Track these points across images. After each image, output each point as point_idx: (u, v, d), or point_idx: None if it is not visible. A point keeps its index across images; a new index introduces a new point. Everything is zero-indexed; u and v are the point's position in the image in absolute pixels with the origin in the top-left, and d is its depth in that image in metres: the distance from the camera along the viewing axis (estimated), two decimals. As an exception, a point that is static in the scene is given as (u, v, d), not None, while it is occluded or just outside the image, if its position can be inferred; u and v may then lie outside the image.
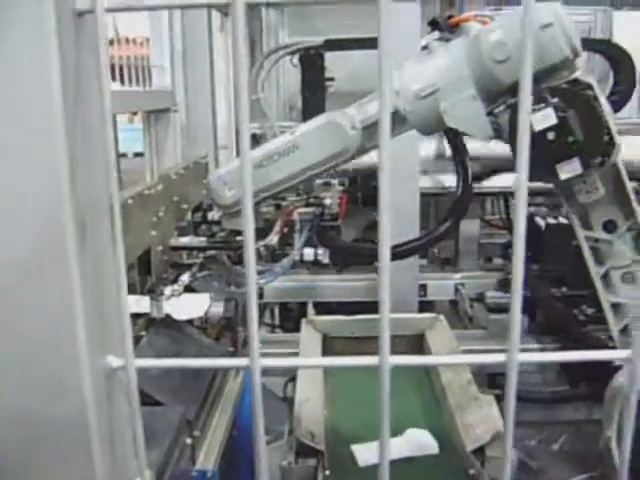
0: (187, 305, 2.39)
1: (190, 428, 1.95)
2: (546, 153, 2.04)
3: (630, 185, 2.25)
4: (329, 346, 2.88)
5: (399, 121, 2.12)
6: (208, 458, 2.05)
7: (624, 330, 2.37)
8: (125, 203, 2.23)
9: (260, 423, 0.61)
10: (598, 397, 3.40)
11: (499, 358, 0.56)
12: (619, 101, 3.59)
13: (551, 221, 3.53)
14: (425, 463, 2.15)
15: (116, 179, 0.66)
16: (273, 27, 5.01)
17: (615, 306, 2.38)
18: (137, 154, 6.75)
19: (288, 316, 4.45)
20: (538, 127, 2.02)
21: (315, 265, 4.04)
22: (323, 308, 3.99)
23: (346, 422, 2.34)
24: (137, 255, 2.36)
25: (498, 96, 2.06)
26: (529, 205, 3.87)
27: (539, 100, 2.01)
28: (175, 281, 2.53)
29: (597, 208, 2.28)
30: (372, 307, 3.41)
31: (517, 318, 0.56)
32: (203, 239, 2.82)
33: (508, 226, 4.21)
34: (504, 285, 3.78)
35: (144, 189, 2.49)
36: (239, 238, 2.77)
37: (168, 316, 2.38)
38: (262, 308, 4.32)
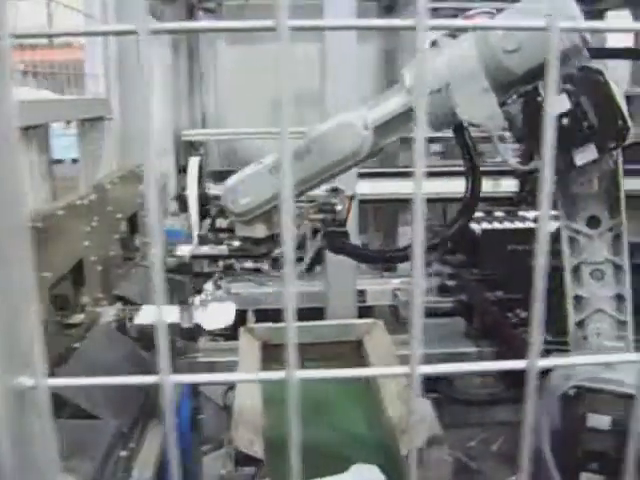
0: (215, 314, 2.38)
1: (125, 440, 1.92)
2: (561, 139, 2.03)
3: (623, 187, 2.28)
4: (268, 354, 2.88)
5: (413, 118, 2.11)
6: (143, 470, 2.03)
7: (580, 323, 2.42)
8: (55, 214, 2.19)
9: (172, 439, 0.61)
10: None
11: (520, 365, 0.57)
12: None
13: (486, 226, 3.60)
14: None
15: (25, 194, 0.65)
16: (210, 35, 4.99)
17: (578, 299, 2.41)
18: (75, 160, 6.62)
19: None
20: (558, 111, 2.00)
21: (255, 273, 4.03)
22: (264, 315, 3.99)
23: (285, 429, 2.34)
24: (69, 267, 2.32)
25: (510, 87, 2.06)
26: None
27: None
28: (200, 291, 2.51)
29: (586, 201, 2.29)
30: (315, 313, 3.42)
31: (537, 324, 0.57)
32: (224, 247, 2.77)
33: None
34: (443, 290, 3.84)
35: (76, 199, 2.45)
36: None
37: (102, 327, 2.35)
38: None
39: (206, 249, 2.81)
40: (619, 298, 2.34)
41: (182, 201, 4.05)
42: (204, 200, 4.08)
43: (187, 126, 4.67)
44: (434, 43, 2.18)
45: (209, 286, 2.58)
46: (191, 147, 4.60)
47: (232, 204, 2.46)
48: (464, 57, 2.06)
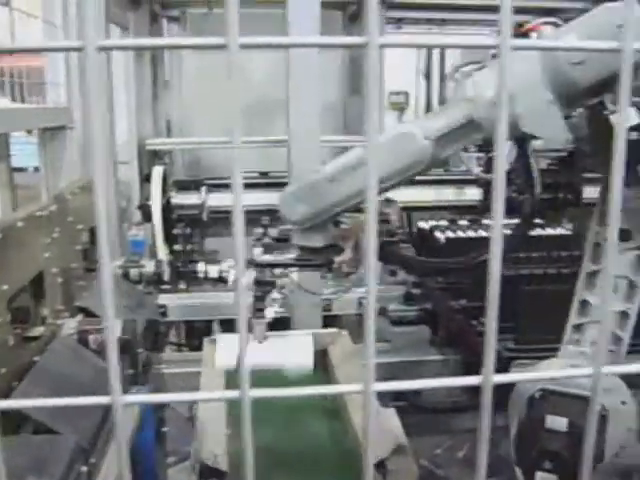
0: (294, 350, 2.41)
1: (86, 456, 1.89)
2: (629, 153, 1.98)
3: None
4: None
5: (474, 129, 2.11)
6: (105, 486, 1.99)
7: (578, 327, 2.45)
8: (15, 226, 2.15)
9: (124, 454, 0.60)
10: (499, 405, 3.52)
11: (474, 381, 0.57)
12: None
13: (450, 235, 3.62)
14: (327, 478, 2.16)
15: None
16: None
17: (584, 304, 2.44)
18: (37, 168, 6.54)
19: (194, 334, 4.40)
20: (629, 125, 1.93)
21: (220, 282, 4.01)
22: (230, 325, 3.97)
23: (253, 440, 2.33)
24: (29, 278, 2.29)
25: (575, 100, 2.04)
26: (428, 220, 3.96)
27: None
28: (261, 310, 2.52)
29: (624, 214, 2.25)
30: (281, 323, 3.39)
31: (491, 341, 0.57)
32: (291, 256, 2.73)
33: (411, 240, 4.28)
34: (408, 299, 3.85)
35: (37, 210, 2.41)
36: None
37: (63, 340, 2.32)
38: (167, 327, 4.25)
39: (269, 257, 2.77)
40: (624, 315, 2.37)
41: (146, 211, 4.03)
42: (168, 210, 4.07)
43: (151, 135, 4.63)
44: (496, 55, 2.15)
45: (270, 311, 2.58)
46: (155, 156, 4.57)
47: (289, 212, 2.45)
48: (529, 69, 2.02)
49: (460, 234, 3.71)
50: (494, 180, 0.57)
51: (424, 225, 3.93)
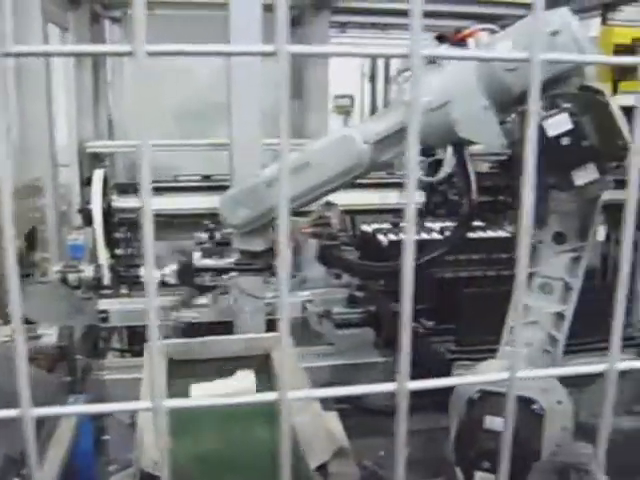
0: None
1: (17, 467, 1.85)
2: (561, 159, 2.02)
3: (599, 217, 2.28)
4: (174, 370, 2.83)
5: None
6: (39, 497, 1.94)
7: (515, 328, 2.48)
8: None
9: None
10: (443, 406, 3.55)
11: (389, 387, 0.57)
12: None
13: (393, 238, 3.64)
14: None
15: None
16: (117, 44, 4.90)
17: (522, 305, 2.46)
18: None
19: (137, 340, 4.34)
20: (552, 133, 2.00)
21: (162, 286, 3.96)
22: (173, 330, 3.92)
23: (191, 448, 2.31)
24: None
25: (510, 105, 2.06)
26: (372, 223, 3.99)
27: (552, 106, 2.00)
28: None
29: (559, 216, 2.30)
30: (224, 327, 3.38)
31: (405, 349, 0.57)
32: (230, 260, 2.67)
33: (355, 243, 4.30)
34: (352, 301, 3.86)
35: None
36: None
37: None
38: (109, 332, 4.19)
39: (209, 262, 2.74)
40: (560, 316, 2.40)
41: (86, 214, 3.97)
42: (109, 213, 4.01)
43: (92, 137, 4.56)
44: (433, 60, 2.16)
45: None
46: (96, 159, 4.49)
47: (230, 216, 2.43)
48: (464, 75, 2.06)
49: (403, 237, 3.73)
50: (407, 184, 0.58)
51: (367, 228, 3.95)
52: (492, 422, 2.28)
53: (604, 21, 4.76)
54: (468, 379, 0.58)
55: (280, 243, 0.55)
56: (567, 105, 2.00)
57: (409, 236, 0.57)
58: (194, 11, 4.66)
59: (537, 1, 0.53)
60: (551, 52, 1.96)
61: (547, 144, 1.97)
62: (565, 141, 2.00)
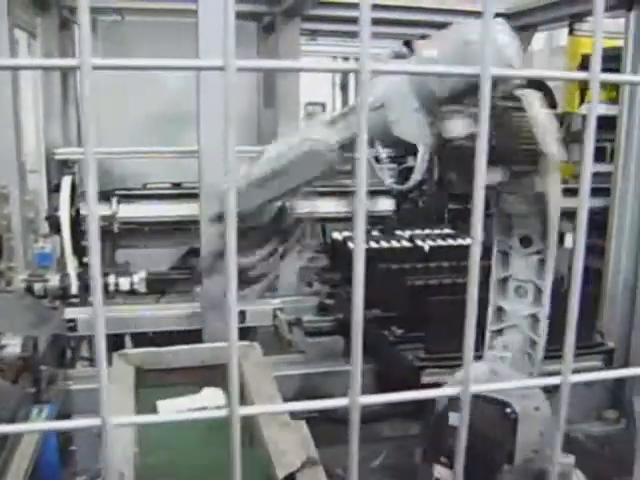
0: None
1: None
2: (468, 160, 2.07)
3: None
4: (142, 379, 2.80)
5: (370, 137, 2.23)
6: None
7: (496, 332, 2.54)
8: None
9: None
10: (412, 413, 3.56)
11: (342, 402, 0.57)
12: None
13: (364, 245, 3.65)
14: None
15: None
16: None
17: (500, 310, 2.54)
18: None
19: (106, 349, 4.28)
20: (457, 134, 2.15)
21: (132, 294, 3.93)
22: (143, 339, 3.90)
23: (158, 459, 2.29)
24: None
25: (436, 107, 2.19)
26: (342, 231, 3.99)
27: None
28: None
29: (521, 221, 2.40)
30: (193, 336, 3.35)
31: (357, 361, 0.56)
32: None
33: (325, 250, 4.31)
34: (322, 309, 3.86)
35: None
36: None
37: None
38: (78, 342, 4.14)
39: None
40: (534, 318, 2.45)
41: (54, 222, 3.92)
42: (77, 221, 3.97)
43: (61, 143, 4.51)
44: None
45: None
46: (64, 166, 4.44)
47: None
48: (400, 79, 2.23)
49: (372, 244, 3.75)
50: (356, 192, 0.58)
51: (338, 236, 3.95)
52: (455, 419, 2.32)
53: (571, 32, 4.82)
54: (422, 394, 0.58)
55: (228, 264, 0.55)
56: (474, 110, 2.11)
57: (358, 242, 0.57)
58: (165, 18, 4.64)
59: (486, 16, 0.54)
60: (467, 60, 2.02)
61: (454, 147, 2.16)
62: (468, 143, 2.13)
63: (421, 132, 2.22)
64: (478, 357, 2.55)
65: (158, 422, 0.55)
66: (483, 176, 0.59)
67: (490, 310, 2.53)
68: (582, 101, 4.91)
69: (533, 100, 2.17)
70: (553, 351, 2.49)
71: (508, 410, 2.35)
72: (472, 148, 2.20)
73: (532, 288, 2.44)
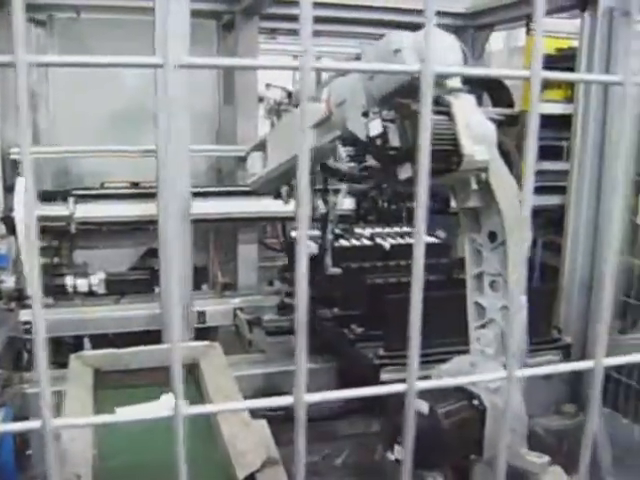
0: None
1: None
2: (382, 158, 2.40)
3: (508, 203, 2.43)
4: (100, 380, 2.77)
5: (329, 124, 2.63)
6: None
7: (481, 327, 2.59)
8: None
9: None
10: (373, 410, 3.57)
11: (287, 401, 0.57)
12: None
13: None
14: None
15: None
16: (42, 47, 4.77)
17: (478, 305, 2.59)
18: None
19: (64, 351, 4.23)
20: (371, 134, 2.36)
21: (90, 296, 3.89)
22: (102, 341, 3.85)
23: (118, 459, 2.27)
24: None
25: (377, 106, 2.42)
26: (295, 229, 3.98)
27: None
28: None
29: (486, 217, 2.49)
30: (152, 336, 3.32)
31: (302, 359, 0.55)
32: None
33: (286, 249, 4.31)
34: (282, 308, 3.85)
35: None
36: None
37: None
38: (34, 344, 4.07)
39: None
40: (507, 310, 2.50)
41: (9, 223, 3.85)
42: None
43: (16, 143, 4.43)
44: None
45: None
46: (14, 165, 4.36)
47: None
48: (354, 79, 2.49)
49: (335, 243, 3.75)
50: (298, 189, 0.58)
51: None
52: (420, 405, 2.37)
53: (529, 31, 4.87)
54: (370, 391, 0.59)
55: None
56: (386, 112, 2.34)
57: (301, 243, 0.57)
58: (122, 16, 4.58)
59: (427, 20, 0.54)
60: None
61: (369, 145, 2.38)
62: (378, 142, 2.34)
63: (364, 127, 2.39)
64: (465, 352, 2.62)
65: (104, 423, 0.55)
66: (426, 175, 0.59)
67: (469, 306, 2.60)
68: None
69: (464, 104, 2.29)
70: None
71: (476, 402, 2.39)
72: (381, 147, 2.40)
73: (502, 282, 2.51)
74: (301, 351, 0.57)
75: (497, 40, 6.21)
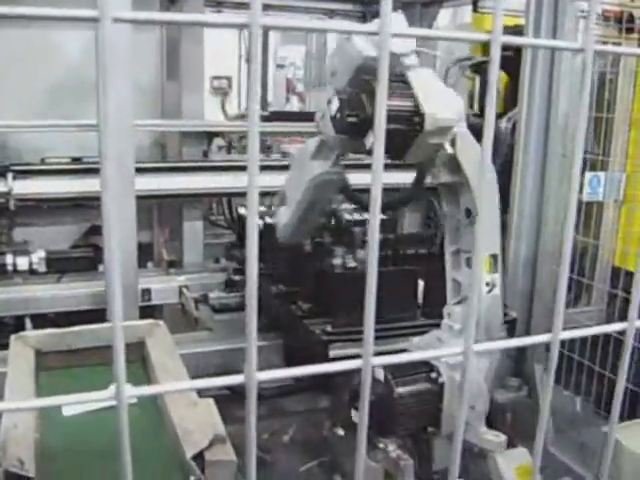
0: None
1: None
2: (344, 128, 2.46)
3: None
4: (42, 362, 2.70)
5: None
6: None
7: (456, 303, 2.64)
8: None
9: None
10: (320, 387, 3.58)
11: (238, 380, 0.54)
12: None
13: (268, 221, 3.60)
14: (145, 474, 2.09)
15: None
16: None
17: (455, 282, 2.63)
18: None
19: (4, 332, 4.11)
20: (331, 113, 2.47)
21: (31, 274, 3.78)
22: (44, 321, 3.75)
23: (62, 442, 2.22)
24: None
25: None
26: (241, 205, 3.94)
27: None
28: None
29: (462, 193, 2.50)
30: (97, 315, 3.24)
31: (252, 338, 0.52)
32: None
33: (232, 226, 4.26)
34: (229, 285, 3.81)
35: None
36: None
37: None
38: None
39: None
40: (487, 286, 2.53)
41: (-57, 200, 3.71)
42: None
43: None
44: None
45: None
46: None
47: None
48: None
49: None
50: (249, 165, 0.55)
51: (244, 211, 3.90)
52: (377, 372, 2.40)
53: (475, 9, 4.88)
54: (322, 368, 0.56)
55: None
56: (343, 87, 2.44)
57: (252, 218, 0.54)
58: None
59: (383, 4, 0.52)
60: (345, 52, 2.24)
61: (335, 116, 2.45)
62: (338, 115, 2.44)
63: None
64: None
65: (47, 406, 0.51)
66: (381, 149, 0.57)
67: (448, 283, 2.63)
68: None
69: (423, 76, 2.34)
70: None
71: (434, 375, 2.41)
72: (341, 119, 2.40)
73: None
74: (251, 329, 0.54)
75: (444, 17, 6.23)
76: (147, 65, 4.53)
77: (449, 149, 2.36)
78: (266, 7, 5.36)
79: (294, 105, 9.74)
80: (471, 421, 2.42)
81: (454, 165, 2.42)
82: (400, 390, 2.41)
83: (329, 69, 2.54)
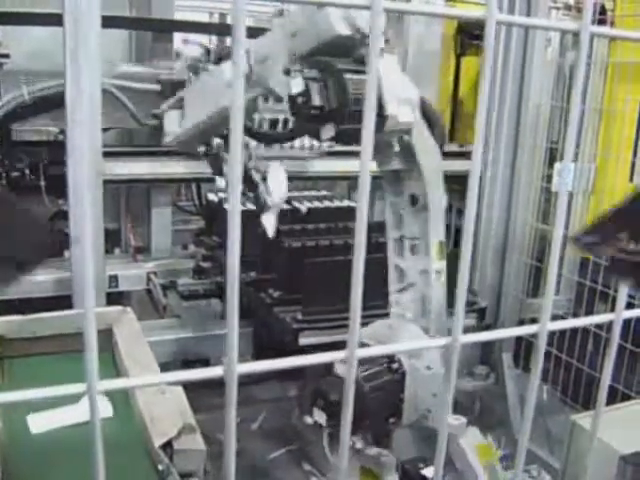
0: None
1: None
2: (304, 117, 2.39)
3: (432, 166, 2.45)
4: (7, 349, 2.66)
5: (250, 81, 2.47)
6: None
7: (401, 290, 2.63)
8: None
9: None
10: (289, 375, 3.56)
11: (218, 372, 0.51)
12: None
13: (241, 208, 3.58)
14: (113, 463, 2.06)
15: None
16: None
17: (398, 269, 2.62)
18: None
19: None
20: (293, 91, 2.32)
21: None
22: (7, 307, 3.67)
23: (24, 431, 2.18)
24: None
25: (301, 64, 2.38)
26: (218, 191, 3.89)
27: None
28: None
29: (408, 179, 2.49)
30: (62, 302, 3.18)
31: (233, 333, 0.50)
32: None
33: (201, 212, 4.21)
34: (197, 272, 3.77)
35: None
36: None
37: None
38: None
39: None
40: (427, 274, 2.52)
41: None
42: None
43: None
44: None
45: None
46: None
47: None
48: (277, 38, 2.41)
49: (250, 206, 3.68)
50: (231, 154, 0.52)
51: (213, 197, 3.85)
52: (339, 368, 2.40)
53: (448, -4, 4.87)
54: (302, 360, 0.54)
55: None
56: (307, 70, 2.34)
57: (234, 205, 0.52)
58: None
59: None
60: (315, 23, 2.17)
61: (291, 101, 2.35)
62: (300, 100, 2.32)
63: (286, 85, 2.36)
64: (385, 315, 2.64)
65: (13, 401, 0.48)
66: (370, 135, 0.54)
67: (390, 270, 2.62)
68: (457, 66, 4.97)
69: (387, 64, 2.32)
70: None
71: (395, 365, 2.41)
72: (303, 106, 2.35)
73: (422, 245, 2.53)
74: (233, 323, 0.51)
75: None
76: (114, 47, 4.43)
77: (405, 138, 2.37)
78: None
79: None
80: (436, 408, 2.43)
81: (407, 152, 2.42)
82: (369, 385, 2.40)
83: (288, 28, 2.39)
